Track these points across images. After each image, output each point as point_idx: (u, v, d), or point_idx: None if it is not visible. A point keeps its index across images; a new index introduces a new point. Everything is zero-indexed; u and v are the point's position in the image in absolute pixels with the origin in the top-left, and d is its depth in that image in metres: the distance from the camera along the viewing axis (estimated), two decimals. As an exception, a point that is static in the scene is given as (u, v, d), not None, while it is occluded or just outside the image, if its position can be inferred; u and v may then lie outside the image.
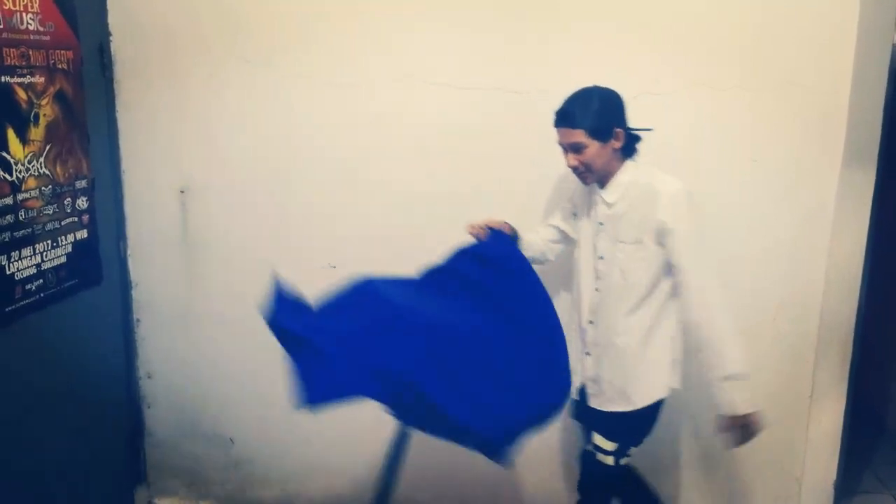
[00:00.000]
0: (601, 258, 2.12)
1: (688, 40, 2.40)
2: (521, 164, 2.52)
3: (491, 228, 2.20)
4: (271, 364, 2.79)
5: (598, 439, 2.18)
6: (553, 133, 2.06)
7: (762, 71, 2.38)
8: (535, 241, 2.32)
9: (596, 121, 2.00)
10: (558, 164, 2.08)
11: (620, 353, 2.11)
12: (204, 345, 2.85)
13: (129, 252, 2.81)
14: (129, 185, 2.76)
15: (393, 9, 2.51)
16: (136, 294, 2.85)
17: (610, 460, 2.17)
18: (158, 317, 2.86)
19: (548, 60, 2.47)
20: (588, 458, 2.25)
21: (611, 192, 2.09)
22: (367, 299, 1.99)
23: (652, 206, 2.01)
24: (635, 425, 2.18)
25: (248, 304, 2.78)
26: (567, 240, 2.34)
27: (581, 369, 2.20)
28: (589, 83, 2.05)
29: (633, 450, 2.19)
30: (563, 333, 2.06)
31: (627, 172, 2.07)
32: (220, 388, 2.88)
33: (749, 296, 2.53)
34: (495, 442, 1.83)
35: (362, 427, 2.80)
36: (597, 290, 2.14)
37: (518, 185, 2.54)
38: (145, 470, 2.99)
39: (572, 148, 2.03)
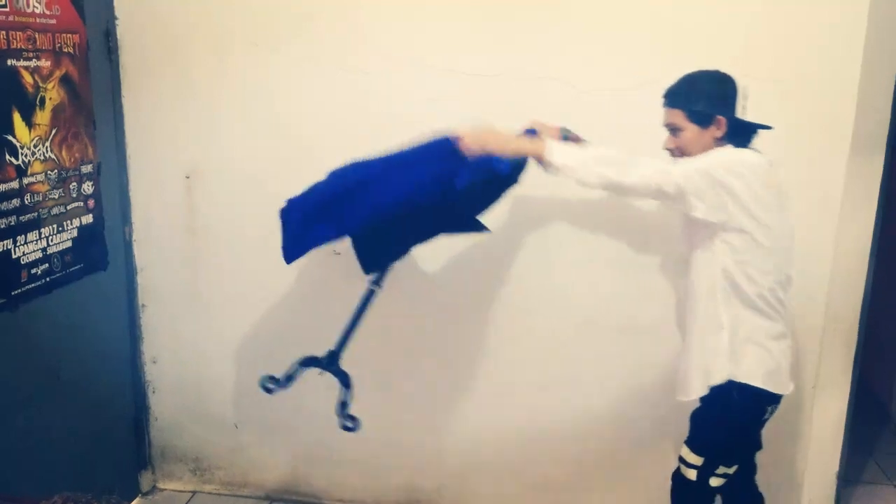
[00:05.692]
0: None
1: (693, 30, 2.38)
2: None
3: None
4: (276, 349, 2.82)
5: (683, 450, 2.04)
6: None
7: (769, 60, 2.36)
8: None
9: (696, 104, 1.94)
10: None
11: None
12: (209, 330, 2.86)
13: (134, 237, 2.81)
14: (134, 170, 2.76)
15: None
16: (142, 279, 2.85)
17: (692, 474, 2.00)
18: (164, 302, 2.87)
19: (558, 48, 2.46)
20: (675, 475, 2.08)
21: None
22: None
23: None
24: (711, 428, 2.00)
25: (253, 289, 2.80)
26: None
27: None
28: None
29: (723, 469, 1.99)
30: None
31: None
32: (224, 373, 2.89)
33: (755, 286, 2.52)
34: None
35: (366, 414, 2.81)
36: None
37: (530, 169, 2.53)
38: (150, 454, 3.00)
39: (670, 129, 2.00)
